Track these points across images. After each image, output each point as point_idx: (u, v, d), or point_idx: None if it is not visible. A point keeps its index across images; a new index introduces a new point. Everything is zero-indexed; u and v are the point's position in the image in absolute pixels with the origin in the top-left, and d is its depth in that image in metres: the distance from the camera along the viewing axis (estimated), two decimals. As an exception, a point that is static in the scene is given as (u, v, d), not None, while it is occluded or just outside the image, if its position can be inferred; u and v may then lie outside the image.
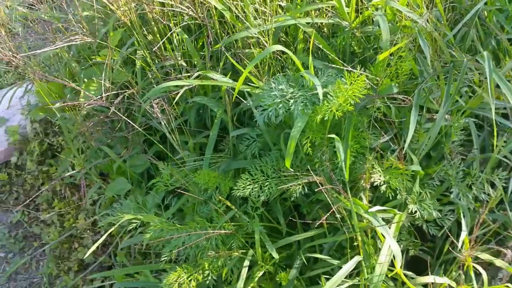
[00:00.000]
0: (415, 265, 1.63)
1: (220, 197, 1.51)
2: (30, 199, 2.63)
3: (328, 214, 1.30)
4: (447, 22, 1.78)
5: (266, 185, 1.48)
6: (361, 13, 1.64)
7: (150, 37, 1.95)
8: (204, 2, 1.70)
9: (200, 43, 1.99)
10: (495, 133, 1.38)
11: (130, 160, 2.01)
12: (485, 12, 1.89)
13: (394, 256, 1.33)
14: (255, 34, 1.56)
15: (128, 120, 1.67)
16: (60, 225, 2.48)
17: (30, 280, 2.39)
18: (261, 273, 1.59)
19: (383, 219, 1.40)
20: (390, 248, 1.32)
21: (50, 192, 2.57)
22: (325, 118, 1.30)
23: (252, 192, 1.47)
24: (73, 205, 2.49)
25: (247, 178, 1.49)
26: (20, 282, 2.38)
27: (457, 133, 1.61)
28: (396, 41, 1.41)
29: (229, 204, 1.51)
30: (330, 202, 1.32)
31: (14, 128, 2.74)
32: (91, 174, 2.27)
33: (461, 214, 1.53)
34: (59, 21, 2.39)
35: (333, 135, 1.31)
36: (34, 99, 2.75)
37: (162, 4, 1.80)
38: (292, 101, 1.31)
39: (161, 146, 1.81)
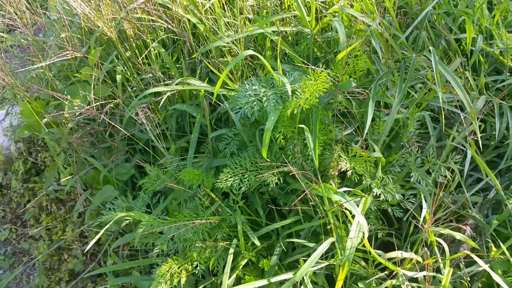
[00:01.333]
0: (385, 249, 1.78)
1: (206, 189, 1.65)
2: (18, 215, 2.72)
3: (301, 196, 1.45)
4: (400, 27, 1.98)
5: (246, 177, 1.64)
6: (321, 20, 1.83)
7: (128, 53, 2.10)
8: (179, 17, 1.86)
9: (175, 56, 2.15)
10: (442, 118, 1.55)
11: (116, 169, 2.14)
12: (434, 15, 2.09)
13: (363, 232, 1.48)
14: (228, 43, 1.72)
15: (118, 126, 1.80)
16: (49, 239, 2.57)
17: (22, 293, 2.48)
18: (245, 261, 1.73)
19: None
20: (359, 224, 1.47)
21: (36, 208, 2.66)
22: (294, 112, 1.47)
23: (234, 183, 1.62)
24: (60, 218, 2.59)
25: (228, 172, 1.65)
26: (12, 296, 2.47)
27: (413, 124, 1.79)
28: (352, 43, 1.59)
29: (213, 196, 1.66)
30: (304, 187, 1.48)
31: (-3, 150, 2.84)
32: (76, 187, 2.38)
33: (422, 197, 1.70)
34: (38, 44, 2.52)
35: (302, 125, 1.47)
36: (16, 120, 2.85)
37: (139, 20, 1.95)
38: (265, 99, 1.47)
39: (148, 149, 1.95)
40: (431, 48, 1.53)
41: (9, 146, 2.86)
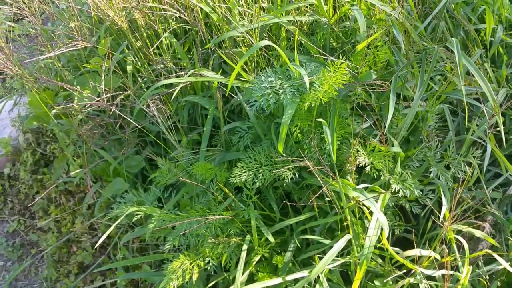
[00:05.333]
0: (402, 246, 1.74)
1: (219, 184, 1.61)
2: (26, 207, 2.70)
3: (319, 193, 1.41)
4: (418, 17, 1.92)
5: (260, 172, 1.59)
6: (338, 9, 1.77)
7: (139, 43, 2.05)
8: (191, 6, 1.81)
9: (187, 47, 2.10)
10: (466, 112, 1.50)
11: (126, 161, 2.10)
12: (453, 5, 2.03)
13: (381, 229, 1.44)
14: (242, 33, 1.67)
15: (128, 118, 1.76)
16: (57, 231, 2.54)
17: (31, 285, 2.45)
18: (258, 258, 1.69)
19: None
20: (378, 221, 1.43)
21: (45, 199, 2.63)
22: (312, 105, 1.41)
23: (248, 178, 1.58)
24: (69, 210, 2.56)
25: (242, 166, 1.60)
26: (21, 288, 2.45)
27: (433, 117, 1.74)
28: (371, 34, 1.53)
29: (226, 191, 1.62)
30: (321, 183, 1.43)
31: (6, 140, 2.80)
32: (85, 179, 2.34)
33: (441, 192, 1.65)
34: (47, 34, 2.47)
35: (320, 119, 1.42)
36: (24, 111, 2.82)
37: (150, 9, 1.90)
38: (281, 91, 1.42)
39: (159, 142, 1.90)
40: (453, 39, 1.47)
41: (17, 136, 2.82)
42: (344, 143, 1.61)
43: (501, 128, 1.53)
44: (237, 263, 1.64)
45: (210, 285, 1.72)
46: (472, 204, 1.72)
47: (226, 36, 1.72)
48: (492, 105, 1.54)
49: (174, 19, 1.96)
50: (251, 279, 1.69)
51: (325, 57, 1.56)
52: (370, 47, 1.53)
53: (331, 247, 1.48)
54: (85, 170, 2.07)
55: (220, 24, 1.80)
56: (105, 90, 1.85)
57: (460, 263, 1.59)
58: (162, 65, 1.96)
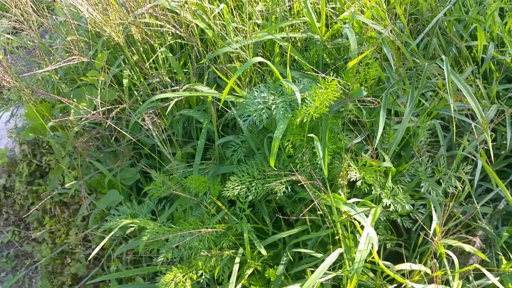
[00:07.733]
0: (394, 260, 1.75)
1: (212, 198, 1.63)
2: (21, 218, 2.70)
3: (310, 206, 1.42)
4: (411, 33, 1.95)
5: (253, 186, 1.61)
6: (331, 27, 1.80)
7: (135, 57, 2.08)
8: (187, 22, 1.84)
9: (183, 61, 2.12)
10: (454, 128, 1.52)
11: (121, 173, 2.11)
12: (445, 22, 2.06)
13: (372, 244, 1.45)
14: (237, 49, 1.69)
15: (123, 131, 1.78)
16: (52, 242, 2.55)
17: (24, 297, 2.46)
18: (251, 271, 1.70)
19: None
20: (369, 236, 1.44)
21: (40, 211, 2.64)
22: (304, 121, 1.44)
23: (240, 192, 1.59)
24: (63, 222, 2.57)
25: (235, 180, 1.62)
26: (15, 300, 2.45)
27: (424, 133, 1.76)
28: (363, 50, 1.56)
29: (219, 204, 1.64)
30: (312, 197, 1.45)
31: (2, 151, 2.82)
32: (80, 191, 2.36)
33: (432, 207, 1.67)
34: (44, 47, 2.50)
35: (312, 135, 1.45)
36: (21, 122, 2.84)
37: (147, 25, 1.93)
38: (274, 106, 1.45)
39: (153, 155, 1.92)
40: (443, 57, 1.50)
41: (14, 148, 2.84)
42: (336, 158, 1.64)
43: (489, 144, 1.56)
44: (229, 276, 1.65)
45: (203, 297, 1.73)
46: (463, 219, 1.74)
47: (220, 52, 1.74)
48: (481, 123, 1.57)
49: (171, 34, 1.99)
50: (243, 292, 1.70)
51: (317, 73, 1.59)
52: (361, 64, 1.56)
53: (323, 260, 1.49)
54: (80, 182, 2.08)
55: (215, 40, 1.83)
56: (101, 103, 1.87)
57: (450, 277, 1.61)
58: (158, 79, 1.99)
